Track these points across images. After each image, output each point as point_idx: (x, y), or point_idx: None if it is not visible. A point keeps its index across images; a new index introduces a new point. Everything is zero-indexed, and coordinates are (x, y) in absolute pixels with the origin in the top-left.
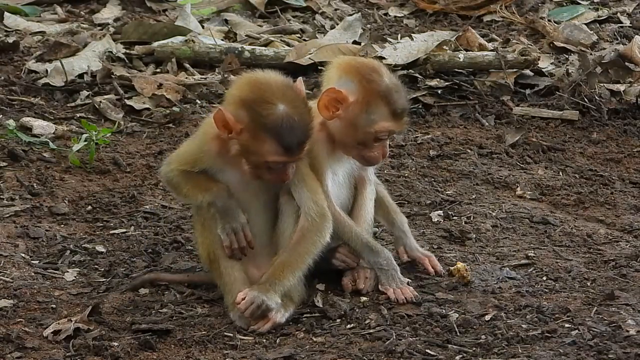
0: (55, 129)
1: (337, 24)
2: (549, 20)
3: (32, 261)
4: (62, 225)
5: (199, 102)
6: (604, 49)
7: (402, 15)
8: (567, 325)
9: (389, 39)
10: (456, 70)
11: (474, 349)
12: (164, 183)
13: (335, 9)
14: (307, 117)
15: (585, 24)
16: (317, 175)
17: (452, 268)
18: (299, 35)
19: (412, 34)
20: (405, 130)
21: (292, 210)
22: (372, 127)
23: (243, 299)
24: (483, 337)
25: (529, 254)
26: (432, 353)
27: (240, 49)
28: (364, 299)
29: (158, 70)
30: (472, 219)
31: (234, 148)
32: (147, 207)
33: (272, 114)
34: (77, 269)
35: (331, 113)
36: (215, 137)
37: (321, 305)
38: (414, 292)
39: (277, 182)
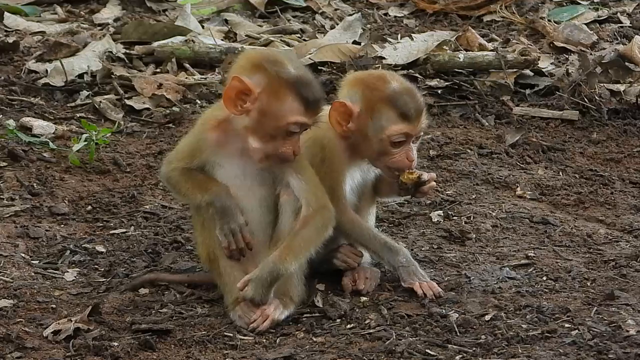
0: (55, 129)
1: (337, 24)
2: (549, 20)
3: (32, 261)
4: (62, 225)
5: (199, 102)
6: (604, 49)
7: (402, 15)
8: (567, 325)
9: (389, 39)
10: (456, 70)
11: (474, 349)
12: (164, 183)
13: (335, 9)
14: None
15: (585, 24)
16: (335, 182)
17: (403, 180)
18: (299, 35)
19: (412, 34)
20: (425, 133)
21: (292, 209)
22: (382, 133)
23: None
24: (483, 337)
25: (529, 254)
26: (432, 353)
27: (240, 49)
28: (364, 299)
29: (158, 70)
30: (472, 219)
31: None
32: (147, 207)
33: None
34: (77, 269)
35: (344, 127)
36: (212, 127)
37: (321, 305)
38: (439, 287)
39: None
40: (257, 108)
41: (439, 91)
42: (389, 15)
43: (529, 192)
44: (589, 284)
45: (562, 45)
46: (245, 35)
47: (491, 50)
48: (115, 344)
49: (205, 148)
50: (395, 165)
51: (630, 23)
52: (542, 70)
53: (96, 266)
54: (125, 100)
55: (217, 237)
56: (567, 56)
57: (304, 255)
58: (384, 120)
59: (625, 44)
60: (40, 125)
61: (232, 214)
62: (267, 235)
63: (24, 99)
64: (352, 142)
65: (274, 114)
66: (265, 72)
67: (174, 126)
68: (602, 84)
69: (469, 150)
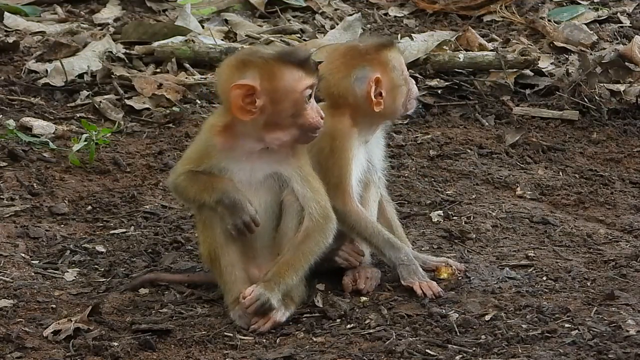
0: (55, 129)
1: (337, 24)
2: (549, 20)
3: (32, 261)
4: (62, 225)
5: (199, 102)
6: (604, 49)
7: (402, 15)
8: (567, 325)
9: None
10: (456, 70)
11: (474, 349)
12: (171, 191)
13: (335, 9)
14: None
15: (585, 24)
16: (344, 171)
17: (444, 276)
18: (299, 35)
19: (412, 34)
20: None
21: (296, 211)
22: (404, 73)
23: (249, 294)
24: (483, 337)
25: (529, 254)
26: (432, 353)
27: (240, 49)
28: (364, 299)
29: (158, 70)
30: (472, 219)
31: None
32: (147, 207)
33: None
34: (77, 269)
35: (381, 100)
36: (219, 132)
37: (321, 305)
38: (439, 287)
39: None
40: None
41: (439, 91)
42: (389, 15)
43: (529, 192)
44: (589, 284)
45: (562, 45)
46: (245, 35)
47: (491, 50)
48: (115, 344)
49: (213, 153)
50: (415, 94)
51: (630, 23)
52: (542, 70)
53: (96, 266)
54: (125, 100)
55: (220, 234)
56: (567, 56)
57: (303, 269)
58: (394, 62)
59: (625, 44)
60: (40, 125)
61: (241, 207)
62: (272, 239)
63: (24, 99)
64: (386, 111)
65: None
66: None
67: (174, 126)
68: (602, 84)
69: (469, 150)
